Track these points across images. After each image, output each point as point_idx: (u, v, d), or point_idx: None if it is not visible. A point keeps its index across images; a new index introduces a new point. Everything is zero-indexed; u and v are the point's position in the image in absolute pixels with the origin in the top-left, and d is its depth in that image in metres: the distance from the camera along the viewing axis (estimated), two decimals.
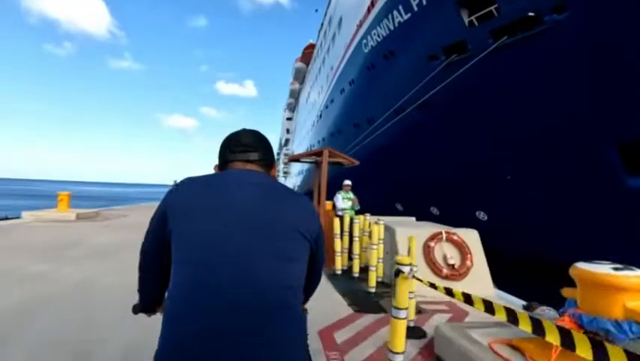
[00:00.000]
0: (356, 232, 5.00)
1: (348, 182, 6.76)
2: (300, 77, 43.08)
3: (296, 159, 6.75)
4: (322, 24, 26.22)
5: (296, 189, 34.31)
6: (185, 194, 0.97)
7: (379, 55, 13.27)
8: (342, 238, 5.19)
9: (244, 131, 1.12)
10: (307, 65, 37.81)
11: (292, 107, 58.78)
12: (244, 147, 1.07)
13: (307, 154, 6.52)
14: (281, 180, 75.40)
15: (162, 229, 0.97)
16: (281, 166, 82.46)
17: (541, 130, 7.96)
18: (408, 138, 12.53)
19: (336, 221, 5.18)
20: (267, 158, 1.09)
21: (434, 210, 12.13)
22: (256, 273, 0.86)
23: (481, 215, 10.09)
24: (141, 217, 12.26)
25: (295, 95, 51.54)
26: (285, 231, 0.93)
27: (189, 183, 1.00)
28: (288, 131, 63.07)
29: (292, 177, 47.83)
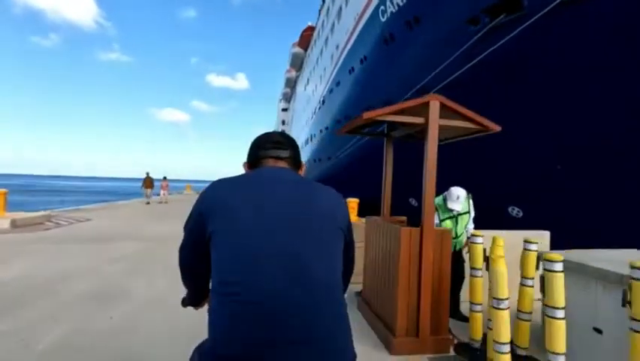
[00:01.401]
0: (529, 270, 2.57)
1: (459, 193, 3.46)
2: (297, 63, 40.20)
3: (361, 126, 3.41)
4: (324, 0, 23.62)
5: None
6: (222, 194, 0.97)
7: (400, 23, 10.93)
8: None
9: (274, 132, 1.15)
10: (305, 50, 35.05)
11: (288, 97, 56.12)
12: (275, 144, 1.09)
13: (390, 112, 2.91)
14: None
15: (201, 230, 0.96)
16: None
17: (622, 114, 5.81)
18: None
19: (478, 251, 2.75)
20: (296, 157, 1.12)
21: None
22: (303, 270, 0.87)
23: (515, 211, 8.19)
24: (111, 220, 9.84)
25: (292, 83, 48.75)
26: (324, 225, 0.95)
27: (224, 183, 1.01)
28: (283, 122, 60.70)
29: None
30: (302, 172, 1.13)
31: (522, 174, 7.90)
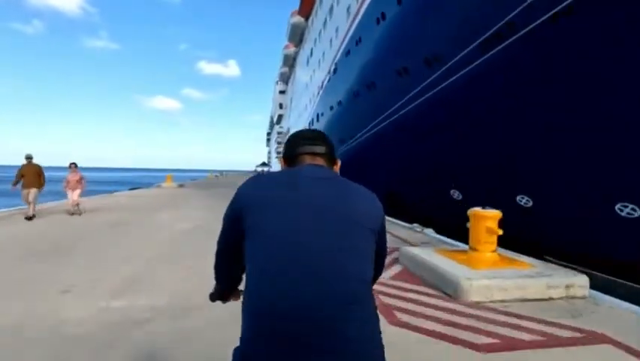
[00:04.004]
0: None
1: None
2: (297, 36, 35.93)
3: None
4: None
5: None
6: (260, 190, 0.99)
7: None
8: None
9: (306, 129, 1.28)
10: (307, 18, 30.85)
11: (286, 78, 51.92)
12: (311, 140, 1.10)
13: None
14: (274, 163, 68.33)
15: (238, 224, 0.98)
16: (273, 147, 74.58)
17: None
18: (505, 83, 6.99)
19: None
20: (331, 153, 1.12)
21: (523, 201, 7.28)
22: (333, 274, 0.87)
23: (627, 210, 5.54)
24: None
25: (290, 61, 44.53)
26: (357, 227, 0.95)
27: (262, 179, 1.03)
28: (281, 106, 56.73)
29: None
30: (337, 168, 1.14)
31: None
